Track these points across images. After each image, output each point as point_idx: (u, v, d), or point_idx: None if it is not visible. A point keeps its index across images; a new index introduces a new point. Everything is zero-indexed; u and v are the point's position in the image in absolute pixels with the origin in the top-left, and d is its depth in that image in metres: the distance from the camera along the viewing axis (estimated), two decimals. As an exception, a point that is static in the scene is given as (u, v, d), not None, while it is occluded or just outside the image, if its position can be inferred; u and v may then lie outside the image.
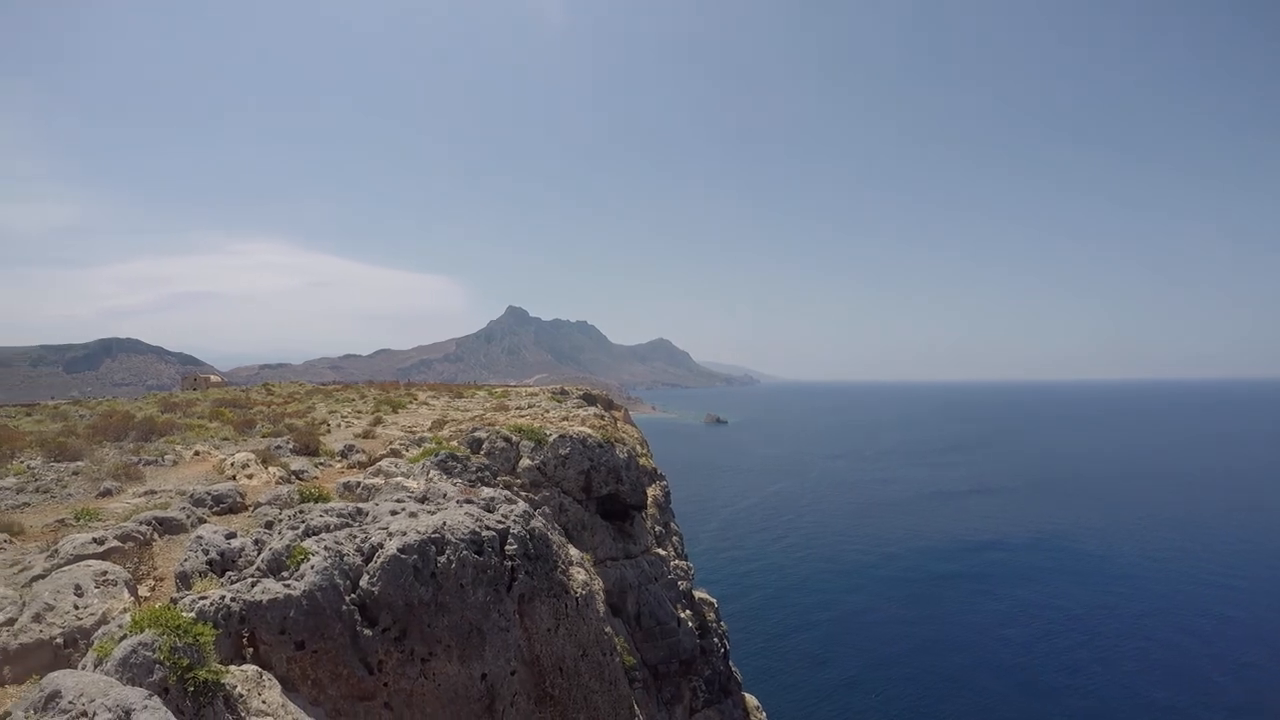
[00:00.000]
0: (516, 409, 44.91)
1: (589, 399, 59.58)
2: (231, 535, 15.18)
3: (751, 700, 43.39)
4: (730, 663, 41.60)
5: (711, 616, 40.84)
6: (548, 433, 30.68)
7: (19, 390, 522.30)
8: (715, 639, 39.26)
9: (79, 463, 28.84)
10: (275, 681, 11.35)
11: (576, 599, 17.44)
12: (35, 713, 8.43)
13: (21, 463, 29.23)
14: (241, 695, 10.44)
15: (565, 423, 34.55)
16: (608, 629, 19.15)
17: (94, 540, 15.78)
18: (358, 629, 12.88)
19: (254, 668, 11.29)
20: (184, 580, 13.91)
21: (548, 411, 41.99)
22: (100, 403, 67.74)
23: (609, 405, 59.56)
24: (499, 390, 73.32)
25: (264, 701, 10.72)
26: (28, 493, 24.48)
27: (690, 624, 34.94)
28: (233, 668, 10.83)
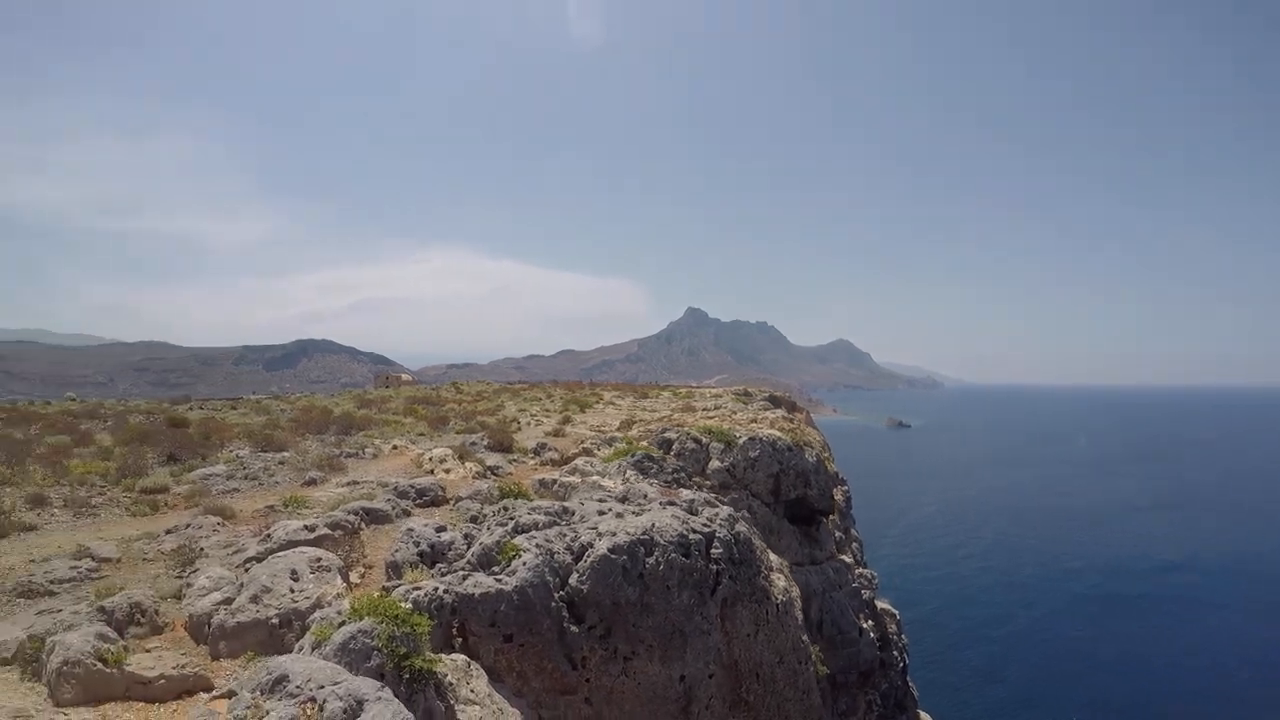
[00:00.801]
0: (703, 410, 44.76)
1: (774, 401, 58.80)
2: (441, 529, 15.51)
3: (926, 718, 42.35)
4: (908, 678, 40.69)
5: (893, 628, 40.00)
6: (737, 435, 30.31)
7: (223, 386, 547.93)
8: (895, 652, 38.43)
9: (284, 453, 29.92)
10: (482, 672, 11.48)
11: (777, 605, 17.24)
12: (263, 694, 8.60)
13: (230, 452, 30.46)
14: (451, 684, 10.56)
15: (753, 425, 34.18)
16: (804, 637, 18.90)
17: (305, 527, 16.29)
18: (565, 625, 12.98)
19: (463, 657, 11.43)
20: (395, 570, 14.25)
21: (734, 413, 41.73)
22: (299, 398, 70.44)
23: (792, 407, 58.62)
24: (683, 391, 73.34)
25: (472, 691, 10.84)
26: (237, 479, 25.54)
27: (871, 635, 34.24)
28: (444, 656, 10.98)
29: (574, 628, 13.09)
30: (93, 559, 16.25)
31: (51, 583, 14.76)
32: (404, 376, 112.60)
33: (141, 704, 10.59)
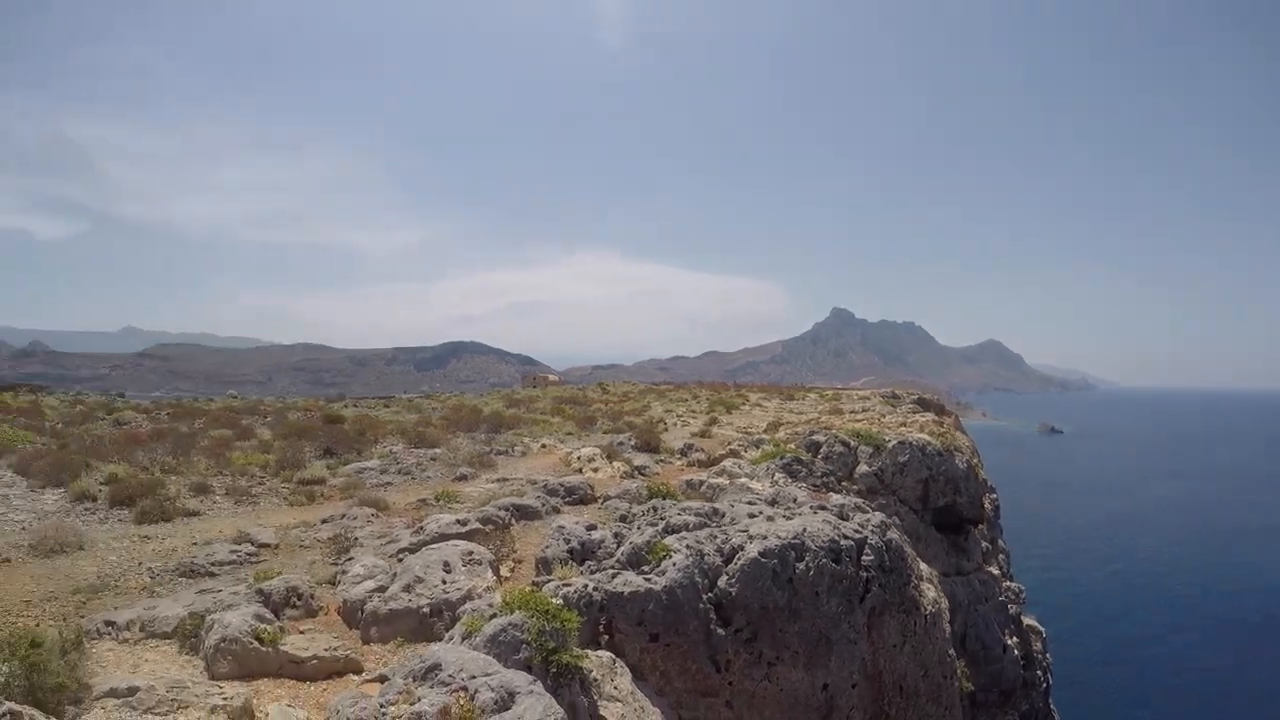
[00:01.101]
0: (851, 413, 44.17)
1: (923, 404, 57.51)
2: (592, 527, 15.64)
3: (1066, 743, 41.01)
4: (1050, 700, 39.52)
5: (1038, 646, 38.88)
6: (886, 438, 29.62)
7: (375, 386, 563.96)
8: (1039, 671, 37.31)
9: (436, 450, 30.54)
10: (627, 669, 11.51)
11: (925, 616, 16.83)
12: (415, 680, 8.73)
13: (384, 447, 31.24)
14: (596, 679, 10.62)
15: (902, 428, 33.53)
16: (951, 651, 18.42)
17: (457, 521, 16.61)
18: (711, 627, 12.89)
19: (608, 654, 11.49)
20: (545, 566, 14.38)
21: (883, 416, 41.08)
22: (449, 397, 71.86)
23: (941, 410, 57.25)
24: (830, 393, 72.50)
25: (615, 687, 10.88)
26: (390, 474, 26.19)
27: (1016, 652, 33.30)
28: (590, 652, 11.04)
29: (720, 630, 13.00)
30: (252, 544, 16.84)
31: (212, 564, 15.34)
32: (551, 377, 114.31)
33: (293, 682, 10.91)
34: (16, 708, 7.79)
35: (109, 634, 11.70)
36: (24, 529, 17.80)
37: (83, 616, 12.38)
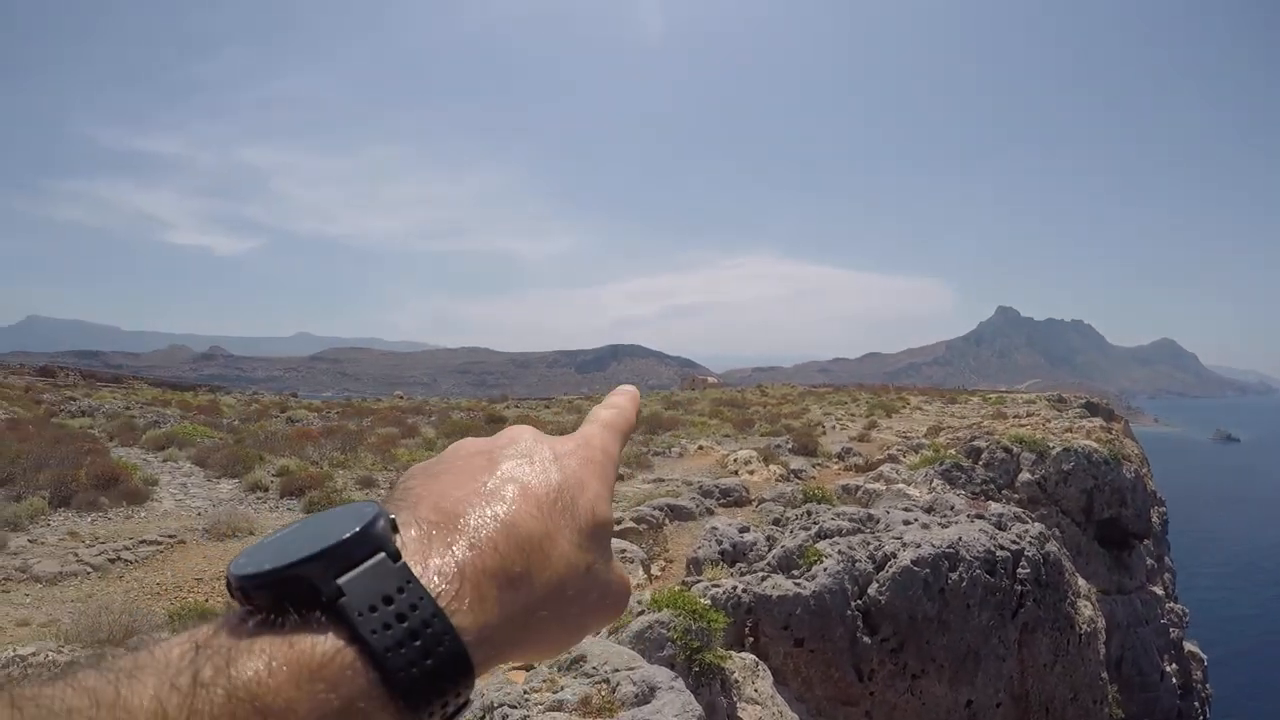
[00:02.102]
0: (1014, 417, 43.00)
1: (1091, 408, 55.27)
2: (745, 529, 15.64)
3: (1221, 782, 38.97)
4: (1206, 736, 37.66)
5: (1198, 675, 37.16)
6: (1050, 444, 28.62)
7: (537, 387, 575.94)
8: (1196, 703, 35.65)
9: (594, 448, 30.91)
10: (769, 672, 11.52)
11: (1080, 635, 16.35)
12: (560, 670, 8.96)
13: (543, 446, 31.87)
14: (737, 681, 10.69)
15: (1068, 434, 32.40)
16: (1104, 674, 17.87)
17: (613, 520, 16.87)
18: (857, 635, 12.79)
19: (752, 657, 11.53)
20: (695, 566, 14.49)
21: (1049, 421, 39.77)
22: (608, 399, 72.56)
23: (1110, 416, 54.88)
24: (993, 396, 70.64)
25: (755, 690, 10.92)
26: (547, 473, 26.63)
27: (1174, 680, 31.95)
28: (733, 654, 11.12)
29: (866, 638, 12.88)
30: (410, 534, 17.43)
31: (372, 553, 15.95)
32: (710, 379, 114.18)
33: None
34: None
35: (272, 610, 12.33)
36: (200, 514, 18.86)
37: (249, 594, 13.14)
